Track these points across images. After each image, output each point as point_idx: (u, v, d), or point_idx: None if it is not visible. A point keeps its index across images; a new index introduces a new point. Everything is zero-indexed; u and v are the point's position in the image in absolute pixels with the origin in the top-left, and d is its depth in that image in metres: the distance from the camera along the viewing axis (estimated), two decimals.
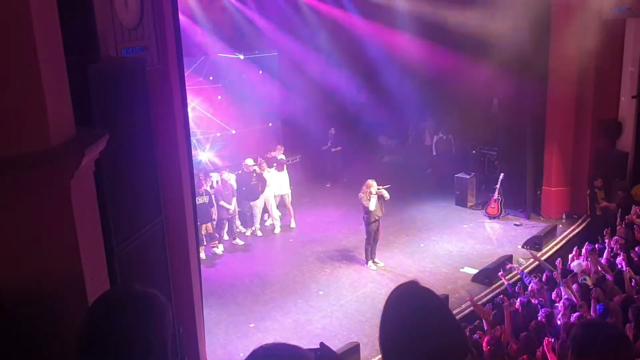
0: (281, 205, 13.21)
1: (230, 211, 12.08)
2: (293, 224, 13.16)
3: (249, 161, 12.67)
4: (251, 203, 12.60)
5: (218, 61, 14.36)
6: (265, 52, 15.67)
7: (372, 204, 10.74)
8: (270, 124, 15.99)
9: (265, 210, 13.08)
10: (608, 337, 2.36)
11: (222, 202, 11.81)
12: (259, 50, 15.47)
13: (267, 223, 13.26)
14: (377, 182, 10.93)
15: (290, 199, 13.21)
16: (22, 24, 2.67)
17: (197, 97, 13.97)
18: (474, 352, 6.62)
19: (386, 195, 10.85)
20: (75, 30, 3.75)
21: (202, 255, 11.41)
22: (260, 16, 14.80)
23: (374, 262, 11.08)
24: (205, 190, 11.57)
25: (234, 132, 14.94)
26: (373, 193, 10.75)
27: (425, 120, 16.96)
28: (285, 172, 13.09)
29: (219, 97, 14.54)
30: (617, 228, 10.09)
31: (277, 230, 13.00)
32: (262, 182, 12.60)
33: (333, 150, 15.88)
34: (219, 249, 11.95)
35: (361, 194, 10.87)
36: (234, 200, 12.14)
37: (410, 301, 1.99)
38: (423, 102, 15.56)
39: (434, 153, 16.23)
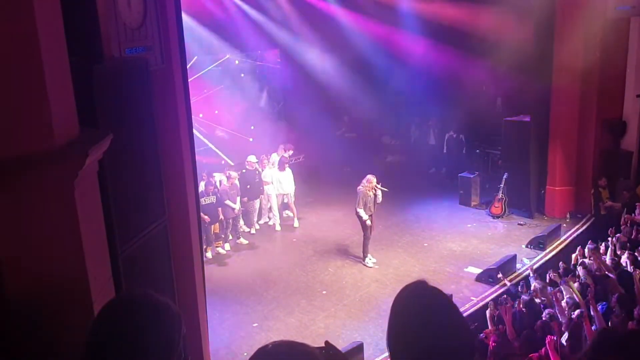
0: (284, 205, 13.23)
1: (236, 211, 12.09)
2: (296, 224, 13.16)
3: (252, 158, 12.72)
4: (253, 200, 12.65)
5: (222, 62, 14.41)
6: (266, 51, 15.69)
7: (380, 196, 10.94)
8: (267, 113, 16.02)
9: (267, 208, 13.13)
10: (625, 344, 2.33)
11: (227, 202, 11.81)
12: (261, 50, 15.49)
13: (271, 222, 13.28)
14: (380, 182, 10.97)
15: (293, 199, 13.22)
16: (26, 25, 2.68)
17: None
18: (480, 351, 6.66)
19: (379, 197, 10.97)
20: (79, 30, 3.76)
21: (209, 254, 11.45)
22: (261, 15, 14.81)
23: (369, 257, 11.17)
24: (213, 190, 11.60)
25: (251, 140, 14.98)
26: (374, 186, 10.84)
27: (429, 120, 16.94)
28: (287, 171, 13.10)
29: (216, 112, 14.59)
30: (622, 227, 10.06)
31: (278, 227, 13.02)
32: (261, 180, 12.71)
33: (347, 136, 16.02)
34: (223, 249, 11.96)
35: (361, 187, 10.94)
36: (238, 199, 12.17)
37: (419, 300, 1.98)
38: (427, 102, 15.53)
39: (445, 151, 16.18)
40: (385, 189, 11.03)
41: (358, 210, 10.95)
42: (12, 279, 2.73)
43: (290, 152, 13.67)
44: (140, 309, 2.02)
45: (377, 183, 10.92)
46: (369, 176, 11.00)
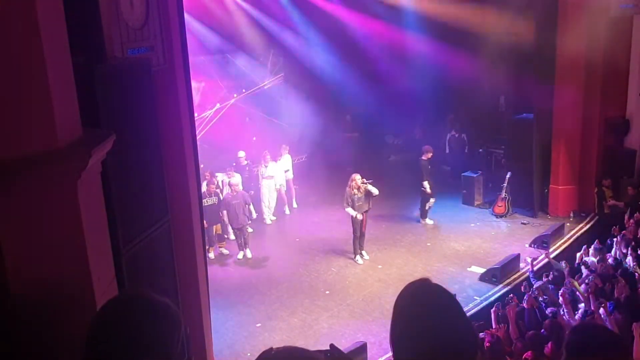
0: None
1: (246, 221, 11.67)
2: (287, 211, 13.69)
3: (241, 153, 12.92)
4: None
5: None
6: (269, 52, 15.69)
7: (374, 190, 11.06)
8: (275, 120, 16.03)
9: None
10: (602, 341, 2.31)
11: (224, 212, 11.42)
12: (263, 50, 15.51)
13: (266, 218, 13.37)
14: (376, 180, 11.19)
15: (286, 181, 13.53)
16: (29, 26, 2.68)
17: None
18: (481, 351, 6.64)
19: (374, 191, 11.06)
20: (81, 31, 3.76)
21: (211, 255, 11.43)
22: (263, 14, 14.83)
23: (361, 255, 11.29)
24: (214, 191, 11.54)
25: (254, 138, 15.04)
26: (359, 185, 10.98)
27: (433, 121, 16.88)
28: (264, 165, 13.18)
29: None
30: (626, 226, 10.02)
31: (269, 220, 13.26)
32: (251, 175, 12.91)
33: (349, 135, 16.13)
34: (227, 250, 11.94)
35: (348, 188, 11.12)
36: (252, 207, 11.81)
37: (423, 299, 1.97)
38: (430, 101, 15.48)
39: (447, 151, 16.14)
40: (370, 181, 11.15)
41: (345, 209, 11.20)
42: (15, 279, 2.73)
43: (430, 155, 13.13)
44: (140, 308, 2.04)
45: (363, 180, 11.06)
46: (353, 175, 11.23)
